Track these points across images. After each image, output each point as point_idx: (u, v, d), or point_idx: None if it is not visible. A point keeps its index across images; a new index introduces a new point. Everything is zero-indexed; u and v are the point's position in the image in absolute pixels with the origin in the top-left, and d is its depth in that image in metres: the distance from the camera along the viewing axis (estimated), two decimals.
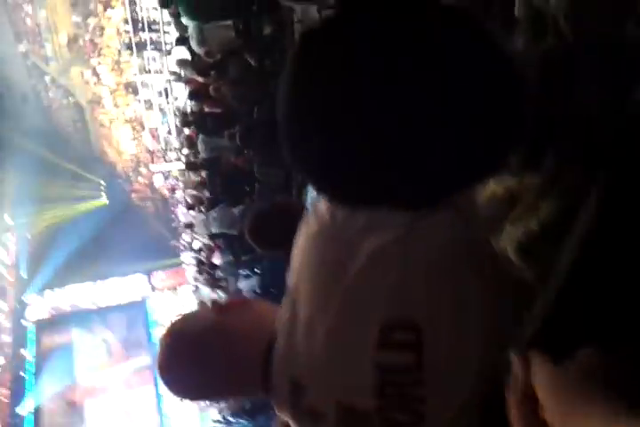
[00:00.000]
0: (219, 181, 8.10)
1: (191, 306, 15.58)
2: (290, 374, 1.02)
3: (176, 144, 11.74)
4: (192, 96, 7.87)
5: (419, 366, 0.88)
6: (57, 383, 17.17)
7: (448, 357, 0.88)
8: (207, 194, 8.92)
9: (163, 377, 1.13)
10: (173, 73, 8.73)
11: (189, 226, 10.09)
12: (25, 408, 16.70)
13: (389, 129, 0.65)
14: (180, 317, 1.19)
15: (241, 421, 11.22)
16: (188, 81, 7.81)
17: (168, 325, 1.18)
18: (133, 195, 18.43)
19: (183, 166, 11.58)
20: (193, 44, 7.84)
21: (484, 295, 0.87)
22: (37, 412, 16.81)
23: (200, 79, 7.66)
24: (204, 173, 8.74)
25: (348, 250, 0.92)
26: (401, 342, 0.90)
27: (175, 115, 10.72)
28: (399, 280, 0.87)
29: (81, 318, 18.37)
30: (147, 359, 17.04)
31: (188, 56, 8.04)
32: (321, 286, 0.98)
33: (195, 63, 7.73)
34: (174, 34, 10.57)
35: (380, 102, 0.64)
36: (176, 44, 7.96)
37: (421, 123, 0.64)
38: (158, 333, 17.06)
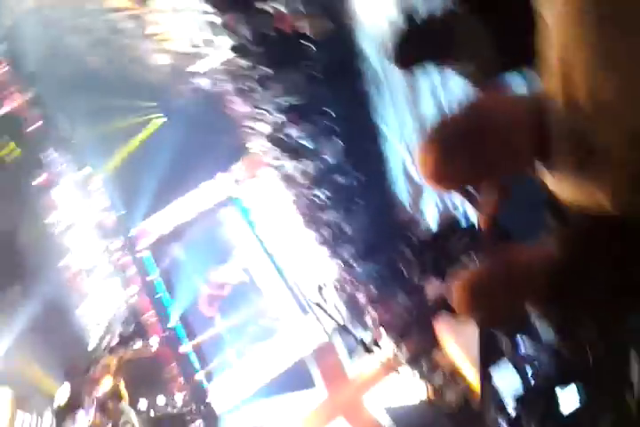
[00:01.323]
0: (276, 52, 8.53)
1: (276, 187, 16.52)
2: (572, 131, 1.11)
3: (209, 36, 11.85)
4: None
5: None
6: (190, 291, 18.86)
7: None
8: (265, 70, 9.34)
9: (440, 179, 1.25)
10: None
11: (258, 105, 10.60)
12: (173, 321, 18.55)
13: None
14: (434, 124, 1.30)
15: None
16: None
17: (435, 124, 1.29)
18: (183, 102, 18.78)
19: (225, 57, 11.90)
20: None
21: None
22: (183, 320, 18.65)
23: None
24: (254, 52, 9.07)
25: None
26: None
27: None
28: None
29: (185, 231, 19.63)
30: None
31: None
32: (608, 44, 1.06)
33: None
34: None
35: None
36: None
37: None
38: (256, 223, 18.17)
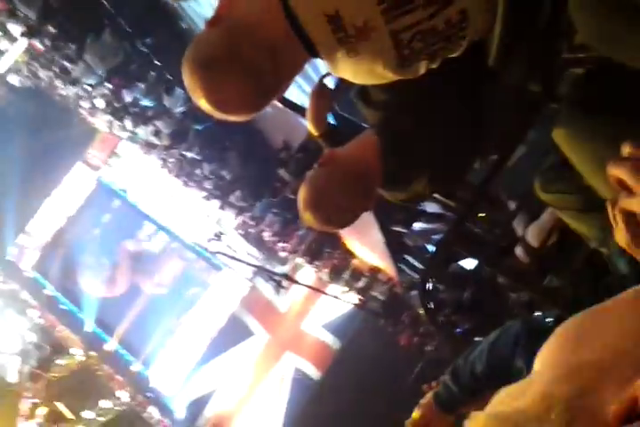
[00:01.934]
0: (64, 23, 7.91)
1: (140, 157, 15.98)
2: (320, 11, 1.07)
3: None
4: None
5: None
6: (94, 290, 18.21)
7: None
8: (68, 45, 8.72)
9: (216, 104, 1.15)
10: None
11: (75, 82, 9.99)
12: (88, 325, 17.93)
13: None
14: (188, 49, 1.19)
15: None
16: None
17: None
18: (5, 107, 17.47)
19: (23, 47, 11.04)
20: None
21: None
22: (98, 320, 17.98)
23: None
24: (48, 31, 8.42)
25: None
26: None
27: None
28: None
29: (65, 235, 18.70)
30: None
31: None
32: None
33: None
34: None
35: None
36: None
37: None
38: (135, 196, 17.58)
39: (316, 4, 1.07)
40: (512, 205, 3.68)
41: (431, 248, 5.29)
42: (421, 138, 1.54)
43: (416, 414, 1.63)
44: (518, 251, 3.39)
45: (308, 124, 1.81)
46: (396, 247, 5.65)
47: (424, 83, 1.30)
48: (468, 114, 1.52)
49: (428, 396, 1.65)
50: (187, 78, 1.14)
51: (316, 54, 1.14)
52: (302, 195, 1.56)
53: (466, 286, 4.42)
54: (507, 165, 2.19)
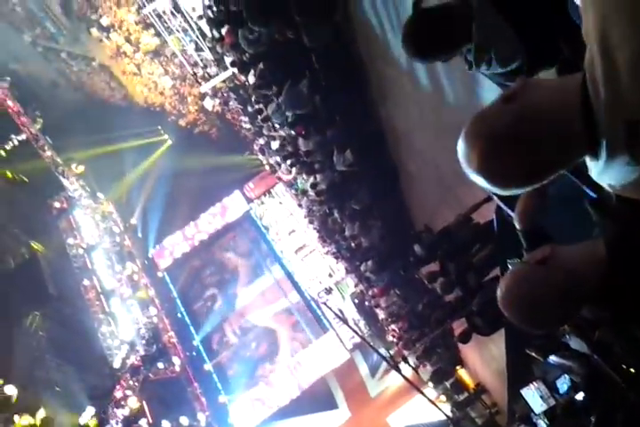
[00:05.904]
0: (272, 65, 8.32)
1: (288, 202, 16.41)
2: (621, 116, 1.08)
3: (210, 56, 11.83)
4: None
5: None
6: (214, 312, 18.88)
7: None
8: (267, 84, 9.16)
9: (489, 176, 1.19)
10: None
11: (266, 119, 10.42)
12: (196, 340, 18.63)
13: None
14: (474, 118, 1.23)
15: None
16: None
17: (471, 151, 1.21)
18: (189, 124, 18.92)
19: (228, 76, 11.88)
20: None
21: None
22: (205, 340, 18.61)
23: None
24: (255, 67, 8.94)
25: None
26: None
27: (195, 29, 10.87)
28: None
29: (202, 250, 19.70)
30: (279, 273, 18.11)
31: None
32: None
33: None
34: None
35: None
36: None
37: None
38: (273, 235, 18.22)
39: (619, 108, 1.10)
40: None
41: (561, 385, 4.71)
42: None
43: None
44: None
45: (515, 218, 1.90)
46: (520, 373, 5.12)
47: None
48: None
49: None
50: (467, 147, 1.20)
51: (594, 153, 1.18)
52: (511, 287, 1.49)
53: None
54: None
